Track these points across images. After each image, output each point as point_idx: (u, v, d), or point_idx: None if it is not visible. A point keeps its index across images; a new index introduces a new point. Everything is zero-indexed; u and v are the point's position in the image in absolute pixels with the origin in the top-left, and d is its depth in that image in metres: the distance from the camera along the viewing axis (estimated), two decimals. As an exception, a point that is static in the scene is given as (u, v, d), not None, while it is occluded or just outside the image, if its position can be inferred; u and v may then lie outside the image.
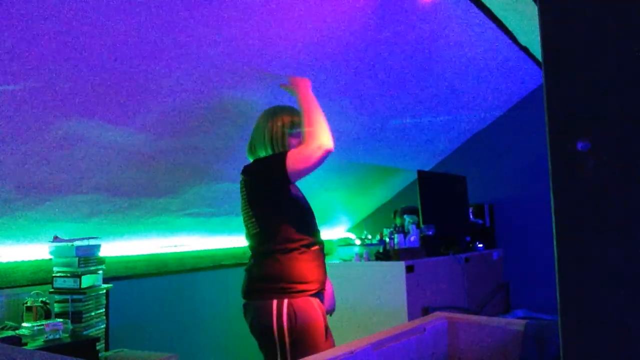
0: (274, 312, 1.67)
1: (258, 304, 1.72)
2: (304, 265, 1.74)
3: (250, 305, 1.75)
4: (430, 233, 3.21)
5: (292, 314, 1.67)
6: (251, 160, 1.90)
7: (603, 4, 0.60)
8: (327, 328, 1.81)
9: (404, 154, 3.77)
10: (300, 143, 1.82)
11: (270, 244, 1.75)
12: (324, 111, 1.85)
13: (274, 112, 1.87)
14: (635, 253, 0.57)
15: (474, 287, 3.46)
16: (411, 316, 2.79)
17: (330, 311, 1.96)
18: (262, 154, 1.84)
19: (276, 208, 1.78)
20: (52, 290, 2.11)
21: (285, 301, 1.68)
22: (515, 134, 3.87)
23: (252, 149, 1.90)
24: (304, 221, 1.80)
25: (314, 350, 1.64)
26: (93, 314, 2.14)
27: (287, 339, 1.65)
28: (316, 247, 1.80)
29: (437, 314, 1.54)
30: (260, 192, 1.80)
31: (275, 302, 1.68)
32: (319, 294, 1.80)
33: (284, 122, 1.82)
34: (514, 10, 2.52)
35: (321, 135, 1.75)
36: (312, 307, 1.72)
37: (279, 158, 1.73)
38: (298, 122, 1.83)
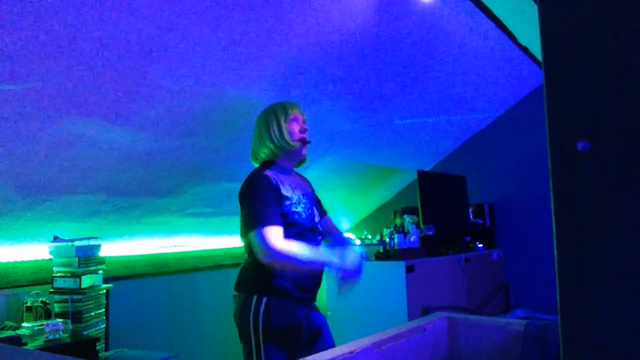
0: (252, 308, 1.68)
1: (241, 297, 1.74)
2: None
3: (236, 297, 1.77)
4: (430, 233, 3.21)
5: (269, 312, 1.67)
6: (256, 165, 1.89)
7: (603, 4, 0.60)
8: (319, 339, 1.79)
9: (404, 154, 3.77)
10: (300, 127, 1.82)
11: None
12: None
13: (265, 110, 1.87)
14: (635, 253, 0.57)
15: (474, 287, 3.45)
16: (411, 316, 2.79)
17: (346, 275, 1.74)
18: (265, 151, 1.83)
19: None
20: (52, 290, 2.11)
21: (265, 299, 1.69)
22: (515, 134, 3.86)
23: (254, 154, 1.89)
24: (295, 236, 1.77)
25: (286, 356, 1.64)
26: (93, 314, 2.14)
27: (260, 337, 1.66)
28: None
29: (437, 314, 1.54)
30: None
31: (255, 297, 1.70)
32: (308, 304, 1.80)
33: (276, 113, 1.82)
34: (514, 11, 2.52)
35: (283, 262, 1.64)
36: (293, 312, 1.71)
37: (248, 212, 1.69)
38: (290, 109, 1.82)
